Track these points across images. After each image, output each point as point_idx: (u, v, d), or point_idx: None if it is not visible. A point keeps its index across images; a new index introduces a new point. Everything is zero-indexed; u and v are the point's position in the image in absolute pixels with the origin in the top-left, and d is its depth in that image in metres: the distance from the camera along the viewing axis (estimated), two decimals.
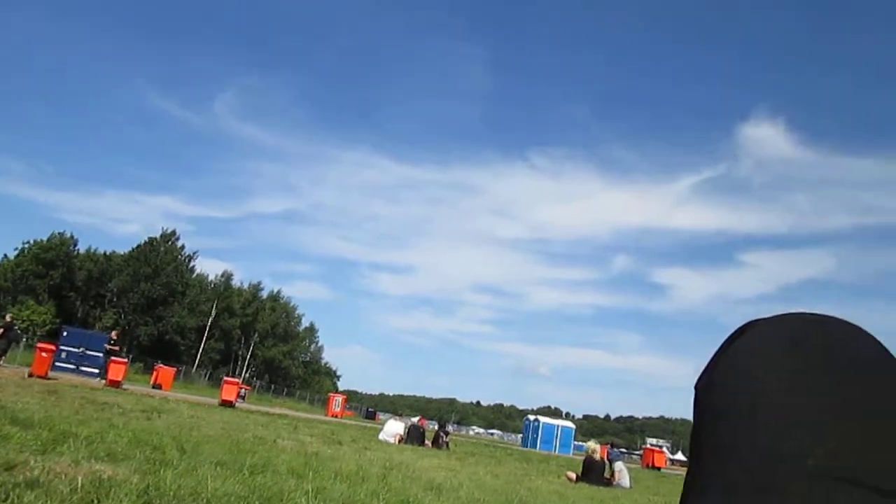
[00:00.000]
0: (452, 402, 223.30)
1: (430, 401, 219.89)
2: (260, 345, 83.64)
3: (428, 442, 20.98)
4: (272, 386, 75.39)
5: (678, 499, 0.54)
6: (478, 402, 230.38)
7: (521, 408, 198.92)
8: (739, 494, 0.48)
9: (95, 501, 4.00)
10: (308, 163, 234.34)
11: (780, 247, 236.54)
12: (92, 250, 71.80)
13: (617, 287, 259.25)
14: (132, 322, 67.06)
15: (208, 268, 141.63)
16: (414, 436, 20.47)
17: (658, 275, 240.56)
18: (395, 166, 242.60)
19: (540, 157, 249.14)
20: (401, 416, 25.54)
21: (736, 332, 0.57)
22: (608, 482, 15.90)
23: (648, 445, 58.85)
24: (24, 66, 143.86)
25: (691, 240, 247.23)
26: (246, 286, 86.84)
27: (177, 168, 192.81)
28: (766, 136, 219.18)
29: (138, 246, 71.34)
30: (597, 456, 16.33)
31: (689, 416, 0.59)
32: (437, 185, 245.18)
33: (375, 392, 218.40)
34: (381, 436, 19.62)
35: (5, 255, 66.19)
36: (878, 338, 0.53)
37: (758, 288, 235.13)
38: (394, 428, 20.24)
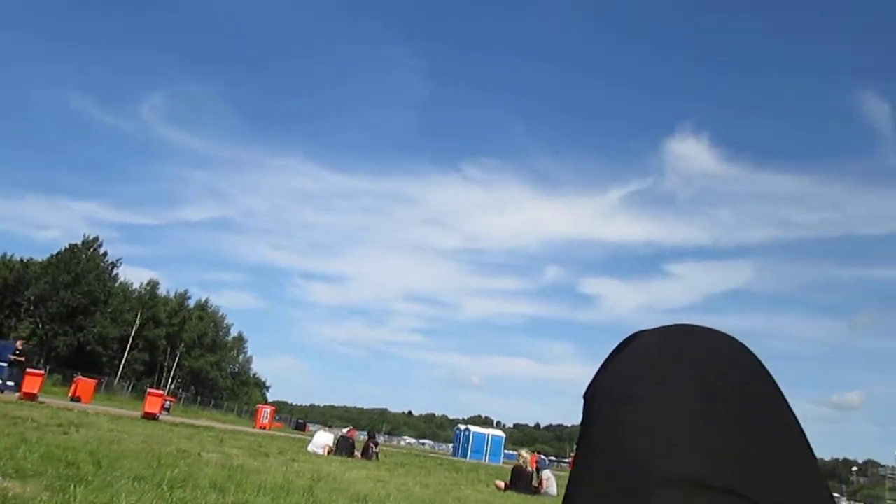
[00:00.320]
0: (384, 412, 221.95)
1: (361, 411, 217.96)
2: (186, 355, 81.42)
3: (357, 453, 20.81)
4: (199, 398, 73.57)
5: None
6: (410, 413, 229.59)
7: (452, 417, 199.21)
8: (599, 499, 0.49)
9: None
10: (239, 170, 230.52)
11: (705, 258, 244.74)
12: (8, 257, 68.74)
13: (548, 297, 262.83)
14: (50, 332, 64.31)
15: (133, 276, 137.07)
16: (343, 447, 20.27)
17: (587, 285, 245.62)
18: (329, 175, 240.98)
19: (473, 168, 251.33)
20: (330, 427, 25.30)
21: (623, 342, 0.59)
22: (536, 490, 16.09)
23: None
24: None
25: (620, 251, 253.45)
26: (172, 295, 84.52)
27: (101, 173, 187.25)
28: (691, 152, 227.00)
29: (58, 253, 68.56)
30: (526, 465, 16.50)
31: None
32: (371, 194, 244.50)
33: (306, 403, 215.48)
34: (310, 447, 19.36)
35: None
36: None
37: (684, 298, 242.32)
38: (323, 439, 20.00)
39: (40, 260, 69.11)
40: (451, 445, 61.49)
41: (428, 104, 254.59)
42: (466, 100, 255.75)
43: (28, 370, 22.77)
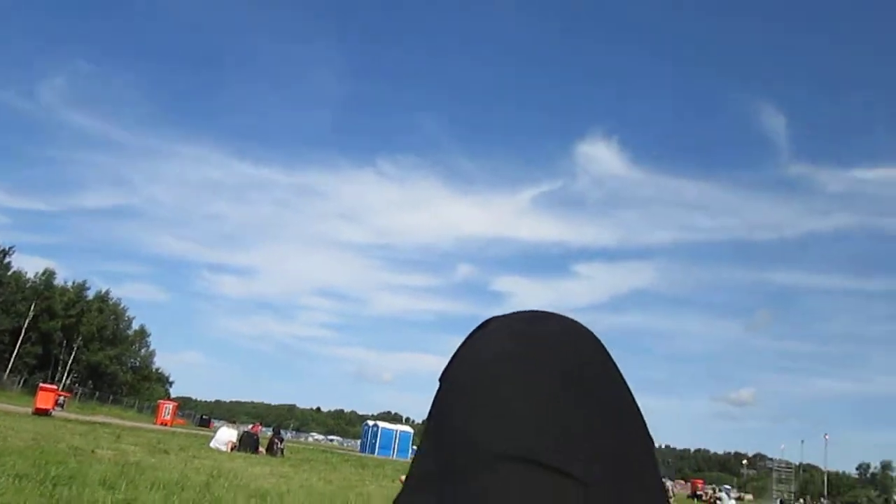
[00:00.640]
0: (292, 408, 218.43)
1: (269, 407, 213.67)
2: (84, 349, 77.88)
3: (262, 449, 20.48)
4: (97, 393, 70.55)
5: None
6: (318, 409, 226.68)
7: (362, 413, 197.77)
8: (432, 479, 0.50)
9: None
10: (143, 156, 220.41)
11: (611, 259, 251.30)
12: None
13: (459, 294, 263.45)
14: None
15: (27, 265, 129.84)
16: (247, 443, 19.91)
17: (498, 283, 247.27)
18: (240, 165, 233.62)
19: (388, 165, 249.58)
20: (234, 423, 24.78)
21: (476, 327, 0.63)
22: None
23: None
24: None
25: (530, 250, 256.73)
26: (70, 286, 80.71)
27: None
28: (601, 155, 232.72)
29: None
30: None
31: None
32: (284, 187, 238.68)
33: (211, 399, 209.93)
34: (213, 444, 18.93)
35: None
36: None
37: (590, 297, 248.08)
38: (226, 435, 19.58)
39: None
40: (359, 441, 61.23)
41: (344, 99, 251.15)
42: (383, 96, 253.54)
43: None
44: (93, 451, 10.40)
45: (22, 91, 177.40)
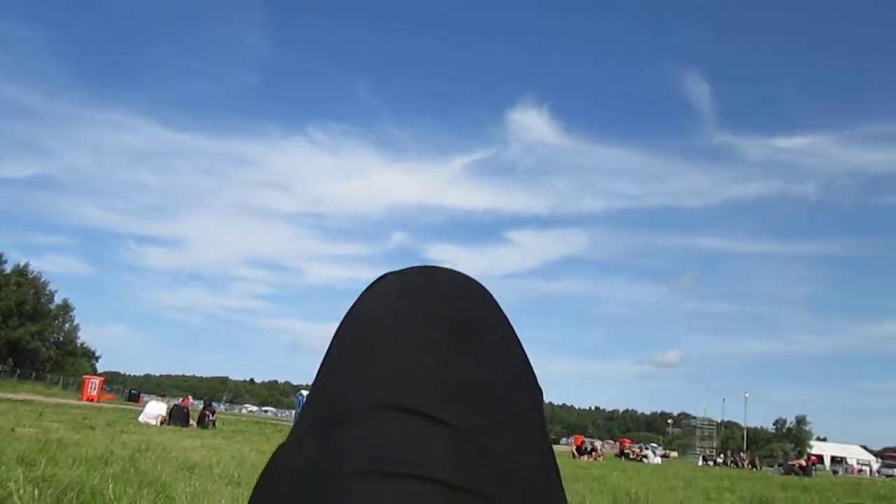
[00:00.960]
0: (225, 380, 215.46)
1: (201, 380, 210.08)
2: (3, 325, 74.92)
3: (193, 422, 20.19)
4: (17, 370, 68.07)
5: None
6: (252, 380, 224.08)
7: (296, 384, 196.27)
8: (311, 431, 0.50)
9: None
10: (61, 123, 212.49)
11: (543, 226, 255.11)
12: None
13: (393, 262, 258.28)
14: None
15: None
16: (177, 416, 19.60)
17: (432, 251, 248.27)
18: (165, 133, 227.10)
19: (319, 133, 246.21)
20: (164, 396, 24.33)
21: (372, 282, 0.62)
22: None
23: None
24: None
25: (463, 218, 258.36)
26: None
27: None
28: (532, 123, 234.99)
29: None
30: None
31: None
32: (212, 154, 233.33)
33: (141, 373, 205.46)
34: (142, 418, 18.57)
35: None
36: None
37: (522, 264, 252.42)
38: (155, 409, 19.23)
39: None
40: (293, 412, 60.95)
41: (272, 65, 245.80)
42: (314, 63, 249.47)
43: None
44: (12, 430, 10.07)
45: None
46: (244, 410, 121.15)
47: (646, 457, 39.06)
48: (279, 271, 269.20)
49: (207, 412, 21.11)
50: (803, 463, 34.52)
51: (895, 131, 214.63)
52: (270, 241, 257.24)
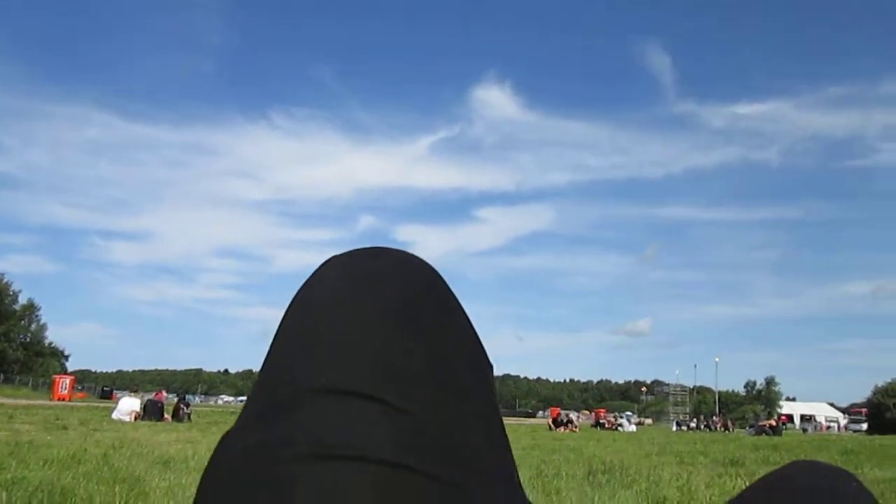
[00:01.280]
0: (199, 372, 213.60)
1: (174, 373, 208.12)
2: None
3: (168, 416, 20.02)
4: None
5: None
6: (226, 371, 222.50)
7: None
8: (257, 417, 0.50)
9: None
10: (15, 118, 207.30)
11: (509, 202, 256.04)
12: None
13: (362, 246, 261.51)
14: None
15: None
16: (152, 411, 19.42)
17: (400, 232, 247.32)
18: (124, 124, 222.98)
19: (283, 118, 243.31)
20: (136, 391, 24.06)
21: (319, 266, 0.61)
22: None
23: None
24: None
25: (430, 197, 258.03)
26: None
27: None
28: (495, 100, 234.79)
29: None
30: None
31: None
32: (173, 145, 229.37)
33: (112, 370, 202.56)
34: (115, 415, 18.35)
35: None
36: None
37: (491, 241, 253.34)
38: (128, 405, 19.01)
39: None
40: None
41: (230, 51, 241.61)
42: (274, 47, 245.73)
43: None
44: None
45: None
46: (219, 402, 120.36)
47: (621, 425, 39.64)
48: (248, 260, 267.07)
49: (182, 405, 20.95)
50: (773, 423, 35.32)
51: (854, 94, 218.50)
52: (238, 230, 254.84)
